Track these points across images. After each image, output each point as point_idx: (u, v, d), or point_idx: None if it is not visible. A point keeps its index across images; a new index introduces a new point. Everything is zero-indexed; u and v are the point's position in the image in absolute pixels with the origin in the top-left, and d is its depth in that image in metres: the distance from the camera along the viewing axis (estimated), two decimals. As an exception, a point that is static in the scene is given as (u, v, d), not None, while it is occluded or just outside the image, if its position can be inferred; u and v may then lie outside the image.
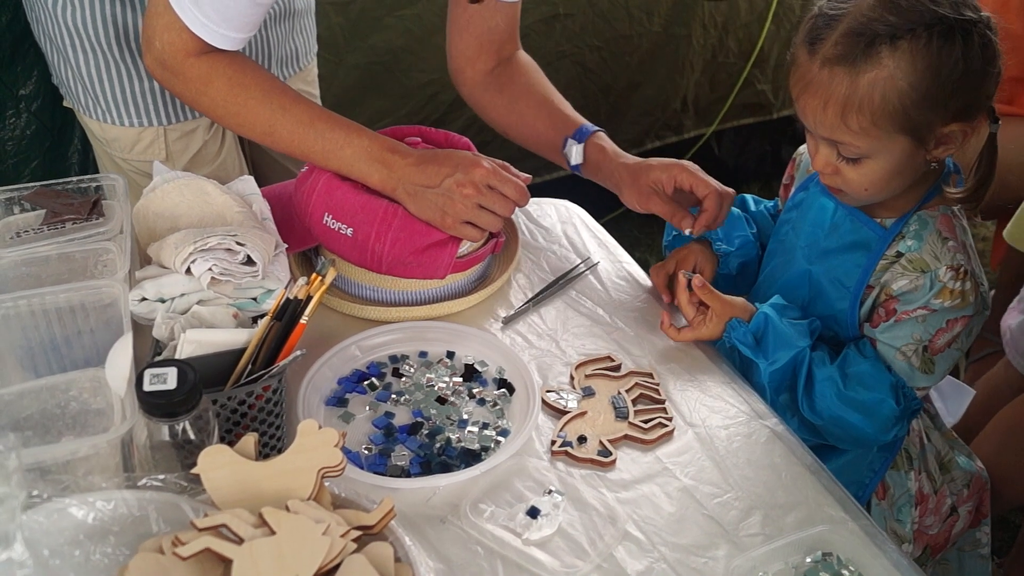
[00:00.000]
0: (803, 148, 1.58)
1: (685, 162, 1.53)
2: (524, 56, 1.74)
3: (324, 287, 1.20)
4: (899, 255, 1.39)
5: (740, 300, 1.44)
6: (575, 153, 1.62)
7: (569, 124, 1.65)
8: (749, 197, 1.69)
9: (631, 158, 1.59)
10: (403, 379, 1.38)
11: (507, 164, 1.50)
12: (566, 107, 1.68)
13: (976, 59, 1.28)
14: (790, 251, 1.52)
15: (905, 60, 1.26)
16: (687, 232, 1.50)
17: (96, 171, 1.88)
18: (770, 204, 1.68)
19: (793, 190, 1.57)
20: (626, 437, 1.29)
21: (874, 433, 1.39)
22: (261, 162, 1.90)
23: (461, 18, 1.66)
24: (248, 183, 1.49)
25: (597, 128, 1.64)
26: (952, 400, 1.65)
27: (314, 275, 1.21)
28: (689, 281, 1.42)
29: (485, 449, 1.27)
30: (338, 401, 1.34)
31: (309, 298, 1.20)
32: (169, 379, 1.03)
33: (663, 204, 1.52)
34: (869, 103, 1.28)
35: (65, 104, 1.77)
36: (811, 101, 1.32)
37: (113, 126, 1.70)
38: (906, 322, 1.38)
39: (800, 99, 1.35)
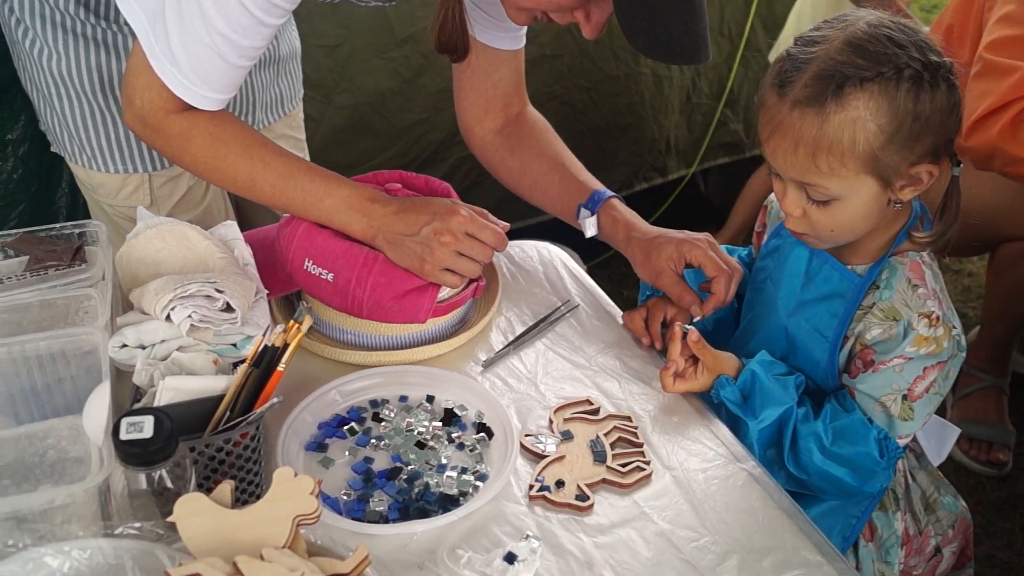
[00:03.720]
0: (773, 195, 1.60)
1: (697, 237, 1.55)
2: (534, 114, 1.74)
3: (300, 335, 1.21)
4: (872, 306, 1.40)
5: (730, 356, 1.45)
6: (589, 226, 1.62)
7: (582, 190, 1.65)
8: (723, 248, 1.70)
9: (644, 230, 1.60)
10: (383, 424, 1.38)
11: (485, 211, 1.52)
12: (579, 171, 1.68)
13: (942, 101, 1.31)
14: (769, 302, 1.53)
15: (874, 102, 1.28)
16: (696, 316, 1.51)
17: (85, 216, 1.89)
18: (744, 252, 1.69)
19: (766, 237, 1.58)
20: (604, 481, 1.29)
21: (859, 485, 1.40)
22: (247, 205, 1.91)
23: (464, 75, 1.68)
24: (231, 228, 1.50)
25: (611, 195, 1.64)
26: (937, 440, 1.65)
27: (291, 322, 1.22)
28: (685, 334, 1.42)
29: (463, 494, 1.27)
30: (318, 446, 1.34)
31: (287, 345, 1.21)
32: (146, 428, 1.04)
33: (672, 285, 1.54)
34: (839, 144, 1.30)
35: (52, 150, 1.79)
36: (781, 143, 1.34)
37: (98, 172, 1.71)
38: (883, 372, 1.38)
39: (770, 141, 1.36)
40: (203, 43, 1.33)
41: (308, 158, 1.99)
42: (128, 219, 1.74)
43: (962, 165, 1.39)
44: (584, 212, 1.63)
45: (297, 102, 1.94)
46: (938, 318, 1.37)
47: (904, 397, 1.38)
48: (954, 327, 1.39)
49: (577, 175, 1.67)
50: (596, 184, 1.66)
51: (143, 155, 1.69)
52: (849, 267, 1.44)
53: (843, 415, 1.40)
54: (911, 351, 1.37)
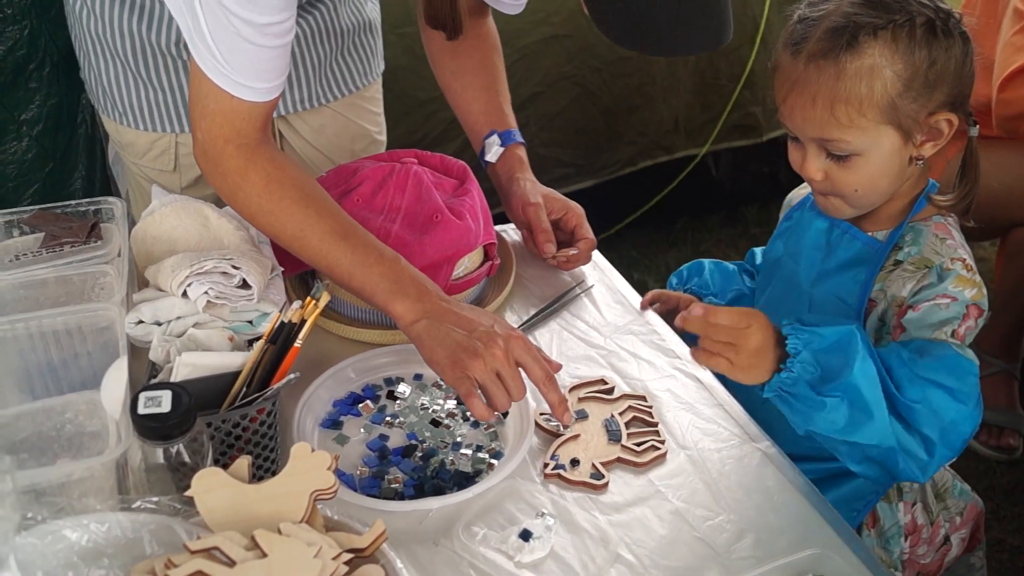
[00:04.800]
0: (790, 195, 1.61)
1: (580, 208, 1.68)
2: (491, 29, 1.77)
3: (318, 311, 1.21)
4: (898, 263, 1.38)
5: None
6: (494, 152, 1.71)
7: (501, 121, 1.73)
8: (758, 251, 1.70)
9: (535, 179, 1.71)
10: (398, 402, 1.38)
11: (540, 349, 1.37)
12: (505, 103, 1.75)
13: (956, 50, 1.30)
14: (789, 278, 1.51)
15: (888, 49, 1.28)
16: (545, 253, 1.63)
17: (102, 195, 1.91)
18: (762, 250, 1.68)
19: (779, 223, 1.58)
20: (619, 460, 1.29)
21: (966, 397, 1.24)
22: None
23: None
24: (245, 206, 1.50)
25: (522, 141, 1.73)
26: None
27: (308, 299, 1.22)
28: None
29: (478, 472, 1.27)
30: (333, 423, 1.35)
31: (303, 321, 1.21)
32: (164, 402, 1.04)
33: (540, 220, 1.64)
34: (856, 93, 1.29)
35: (94, 103, 1.83)
36: (798, 99, 1.33)
37: (128, 129, 1.73)
38: (927, 308, 1.32)
39: (787, 101, 1.35)
40: (227, 30, 1.28)
41: (385, 135, 1.98)
42: (151, 182, 1.77)
43: (978, 125, 1.38)
44: (496, 138, 1.71)
45: (373, 77, 1.89)
46: (972, 267, 1.34)
47: (953, 334, 1.31)
48: (983, 287, 1.35)
49: (503, 105, 1.75)
50: (514, 125, 1.74)
51: (171, 116, 1.70)
52: (870, 234, 1.43)
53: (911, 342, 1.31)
54: (955, 291, 1.31)
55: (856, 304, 1.41)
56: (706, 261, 1.69)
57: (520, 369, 1.28)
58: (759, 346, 1.23)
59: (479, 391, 1.26)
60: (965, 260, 1.34)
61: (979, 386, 1.27)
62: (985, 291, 1.34)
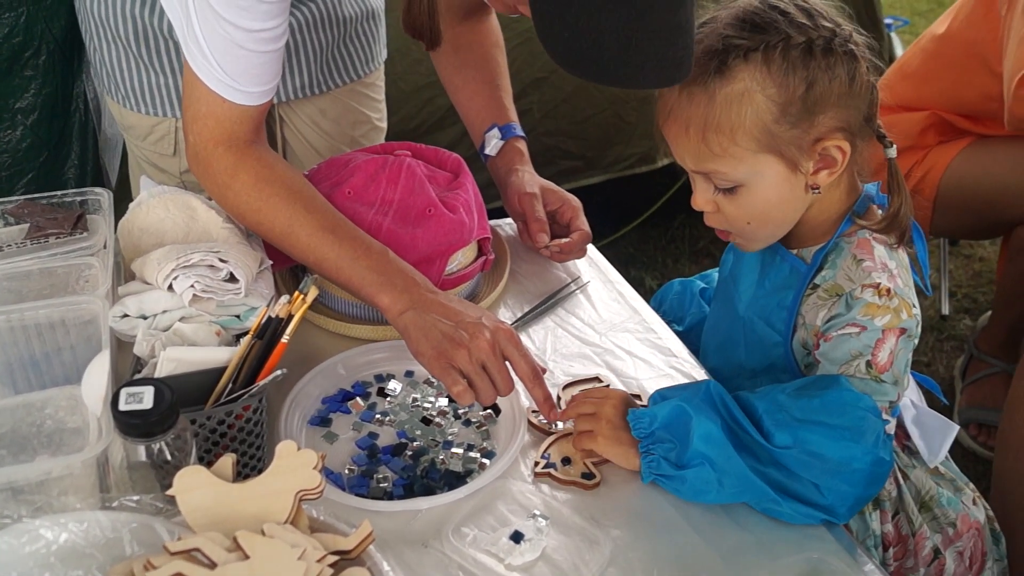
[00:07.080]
0: None
1: (577, 200, 1.67)
2: (494, 25, 1.78)
3: (306, 306, 1.19)
4: (815, 288, 1.32)
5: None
6: (493, 145, 1.71)
7: (502, 115, 1.73)
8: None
9: (533, 171, 1.71)
10: (388, 399, 1.36)
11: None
12: (507, 97, 1.74)
13: (840, 71, 1.23)
14: (729, 299, 1.46)
15: (760, 73, 1.21)
16: (538, 242, 1.62)
17: (95, 184, 1.90)
18: None
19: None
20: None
21: (852, 440, 1.18)
22: None
23: None
24: (236, 198, 1.48)
25: (523, 135, 1.73)
26: (935, 438, 1.53)
27: (296, 293, 1.20)
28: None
29: (469, 471, 1.25)
30: (321, 421, 1.32)
31: (291, 316, 1.19)
32: (145, 398, 1.02)
33: (535, 210, 1.63)
34: (727, 120, 1.22)
35: (96, 84, 1.85)
36: (673, 128, 1.27)
37: (131, 112, 1.74)
38: (837, 339, 1.27)
39: (664, 129, 1.29)
40: (219, 34, 1.29)
41: (386, 121, 1.97)
42: (152, 164, 1.78)
43: (895, 146, 1.30)
44: (496, 132, 1.71)
45: (375, 65, 1.88)
46: (889, 290, 1.25)
47: (868, 364, 1.26)
48: (914, 306, 1.28)
49: (504, 99, 1.74)
50: (515, 119, 1.74)
51: (171, 101, 1.70)
52: (794, 252, 1.36)
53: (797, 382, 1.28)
54: (864, 319, 1.25)
55: (783, 329, 1.35)
56: (676, 282, 1.67)
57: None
58: (614, 418, 1.26)
59: (465, 383, 1.25)
60: (879, 285, 1.26)
61: (873, 420, 1.20)
62: (908, 313, 1.27)
